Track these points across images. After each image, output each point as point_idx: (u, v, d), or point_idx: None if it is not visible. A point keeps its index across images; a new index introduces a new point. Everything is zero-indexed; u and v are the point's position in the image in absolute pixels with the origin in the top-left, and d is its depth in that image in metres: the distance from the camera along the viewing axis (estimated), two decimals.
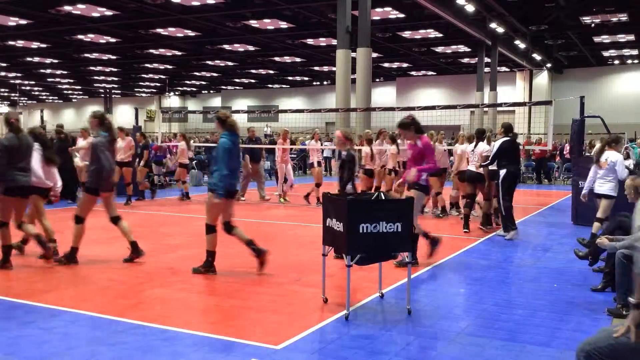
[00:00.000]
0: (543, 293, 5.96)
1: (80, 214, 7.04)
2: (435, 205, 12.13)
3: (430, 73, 42.59)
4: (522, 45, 29.60)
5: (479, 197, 10.77)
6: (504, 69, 38.30)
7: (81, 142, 12.96)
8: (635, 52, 33.65)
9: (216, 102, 54.43)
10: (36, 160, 7.05)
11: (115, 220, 7.22)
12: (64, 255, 6.98)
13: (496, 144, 9.52)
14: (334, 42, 23.78)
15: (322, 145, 15.81)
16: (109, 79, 47.05)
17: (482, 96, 32.75)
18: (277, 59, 36.55)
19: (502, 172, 9.28)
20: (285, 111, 18.85)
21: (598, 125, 11.89)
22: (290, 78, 46.33)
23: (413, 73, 43.05)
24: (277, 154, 14.19)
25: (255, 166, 13.94)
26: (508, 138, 9.48)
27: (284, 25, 26.27)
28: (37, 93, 59.63)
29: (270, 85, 51.15)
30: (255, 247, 6.64)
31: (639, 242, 3.13)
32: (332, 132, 15.17)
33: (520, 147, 12.94)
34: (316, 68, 40.26)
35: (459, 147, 11.78)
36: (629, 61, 36.52)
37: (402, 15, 24.37)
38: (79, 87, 53.90)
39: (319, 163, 14.16)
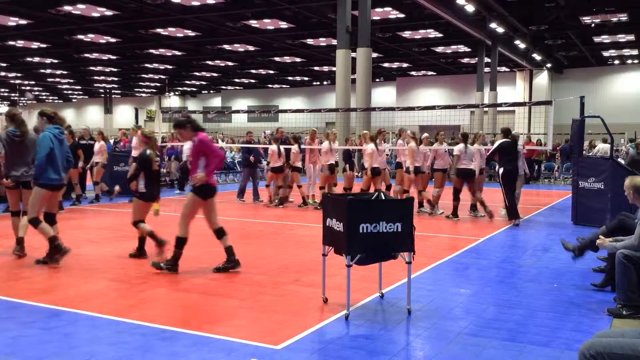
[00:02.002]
0: (543, 293, 5.96)
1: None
2: (435, 204, 12.16)
3: (430, 73, 42.60)
4: (522, 45, 29.62)
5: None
6: (504, 69, 38.32)
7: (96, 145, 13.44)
8: (635, 52, 33.66)
9: (216, 102, 54.46)
10: None
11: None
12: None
13: (495, 144, 10.53)
14: (334, 42, 23.81)
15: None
16: (109, 79, 47.07)
17: (482, 96, 32.77)
18: (277, 59, 36.55)
19: (501, 170, 10.70)
20: (285, 111, 18.86)
21: (598, 125, 11.90)
22: (290, 78, 46.34)
23: (413, 73, 43.06)
24: (306, 155, 14.06)
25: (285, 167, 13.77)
26: (508, 140, 10.81)
27: (284, 25, 26.28)
28: (37, 93, 59.66)
29: (270, 85, 51.17)
30: (57, 243, 6.81)
31: None
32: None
33: (520, 147, 13.00)
34: (316, 68, 40.27)
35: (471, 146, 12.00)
36: (629, 61, 36.54)
37: (402, 15, 24.37)
38: (79, 87, 53.92)
39: (336, 163, 13.64)
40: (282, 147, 13.15)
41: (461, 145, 11.35)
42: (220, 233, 6.75)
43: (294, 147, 13.34)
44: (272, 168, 13.11)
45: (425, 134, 12.95)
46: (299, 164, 13.54)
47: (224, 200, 14.25)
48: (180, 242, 6.58)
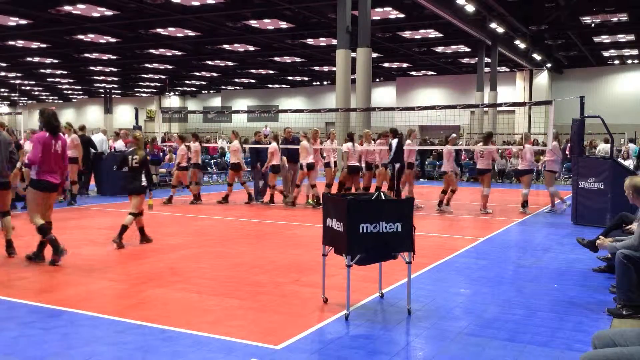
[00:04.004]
0: (543, 293, 5.96)
1: None
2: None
3: (430, 73, 42.59)
4: (522, 45, 29.61)
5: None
6: (504, 69, 38.31)
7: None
8: (635, 52, 33.66)
9: (216, 102, 54.45)
10: None
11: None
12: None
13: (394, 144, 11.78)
14: (334, 42, 23.80)
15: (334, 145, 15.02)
16: (109, 79, 47.06)
17: (482, 96, 32.76)
18: (277, 59, 36.55)
19: (397, 165, 11.76)
20: (285, 111, 18.85)
21: (598, 125, 11.90)
22: (290, 78, 46.33)
23: (413, 73, 43.05)
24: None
25: (294, 167, 13.75)
26: (397, 138, 11.91)
27: (284, 25, 26.28)
28: (37, 93, 59.64)
29: (270, 85, 51.16)
30: None
31: None
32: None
33: (521, 147, 13.15)
34: (316, 68, 40.26)
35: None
36: (629, 61, 36.53)
37: (402, 15, 24.37)
38: (79, 87, 53.90)
39: (335, 163, 13.67)
40: (192, 146, 13.79)
41: (349, 144, 12.31)
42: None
43: (182, 147, 13.76)
44: (179, 167, 13.70)
45: (453, 135, 13.32)
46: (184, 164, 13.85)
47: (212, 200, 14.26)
48: (41, 230, 6.91)
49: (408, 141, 12.87)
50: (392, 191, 11.97)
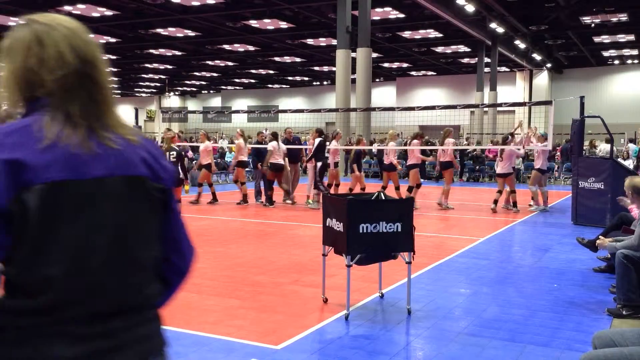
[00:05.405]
0: (543, 293, 5.96)
1: None
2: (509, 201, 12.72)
3: (430, 73, 42.59)
4: (522, 45, 29.62)
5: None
6: (504, 69, 38.31)
7: None
8: (635, 52, 33.66)
9: (216, 102, 54.45)
10: None
11: None
12: None
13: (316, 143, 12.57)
14: (334, 42, 23.82)
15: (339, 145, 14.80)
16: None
17: (482, 96, 32.78)
18: (277, 59, 36.55)
19: (319, 164, 12.58)
20: (285, 111, 18.86)
21: (598, 125, 11.91)
22: (290, 78, 46.33)
23: (413, 73, 43.05)
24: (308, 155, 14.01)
25: (294, 167, 13.73)
26: (321, 138, 12.65)
27: (284, 25, 26.28)
28: None
29: (270, 85, 51.17)
30: None
31: None
32: (332, 131, 15.21)
33: (521, 148, 13.22)
34: (316, 68, 40.26)
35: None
36: (629, 61, 36.53)
37: (402, 15, 24.38)
38: None
39: (336, 164, 13.48)
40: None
41: (274, 142, 12.89)
42: None
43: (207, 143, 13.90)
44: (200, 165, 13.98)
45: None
46: None
47: (223, 200, 14.26)
48: None
49: (450, 139, 12.84)
50: (317, 188, 12.62)
